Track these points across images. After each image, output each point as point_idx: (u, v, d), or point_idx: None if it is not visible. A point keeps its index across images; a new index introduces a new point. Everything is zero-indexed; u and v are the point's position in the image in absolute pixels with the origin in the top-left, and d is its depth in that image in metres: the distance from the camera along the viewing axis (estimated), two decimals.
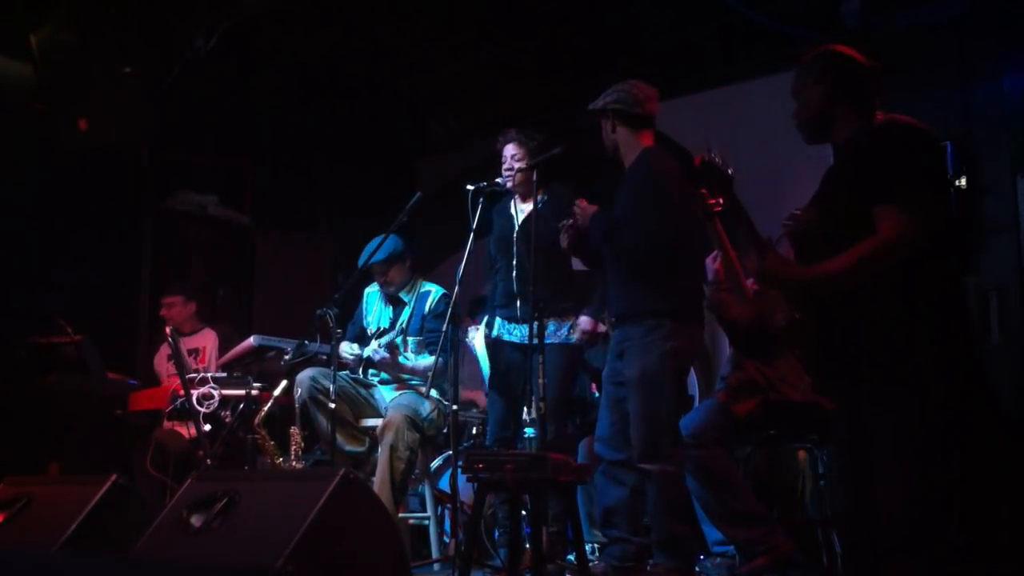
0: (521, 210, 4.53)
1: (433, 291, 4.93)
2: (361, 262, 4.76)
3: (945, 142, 3.02)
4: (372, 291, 5.11)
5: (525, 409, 4.61)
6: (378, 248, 4.68)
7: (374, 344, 4.78)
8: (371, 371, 4.95)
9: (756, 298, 4.29)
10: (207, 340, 5.79)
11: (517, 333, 4.51)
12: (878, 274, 2.65)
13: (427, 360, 4.72)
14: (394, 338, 4.73)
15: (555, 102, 6.31)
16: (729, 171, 2.89)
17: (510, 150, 4.50)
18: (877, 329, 2.68)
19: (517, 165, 4.43)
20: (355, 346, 4.87)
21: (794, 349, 4.05)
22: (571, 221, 4.01)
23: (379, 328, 4.96)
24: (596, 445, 4.05)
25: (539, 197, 4.38)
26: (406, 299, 4.96)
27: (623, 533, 3.92)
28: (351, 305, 5.12)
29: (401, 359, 4.75)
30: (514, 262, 4.48)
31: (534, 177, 4.19)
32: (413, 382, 4.80)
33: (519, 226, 4.50)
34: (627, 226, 3.87)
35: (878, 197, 2.63)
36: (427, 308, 4.89)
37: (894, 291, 2.66)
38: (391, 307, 5.00)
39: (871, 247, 2.63)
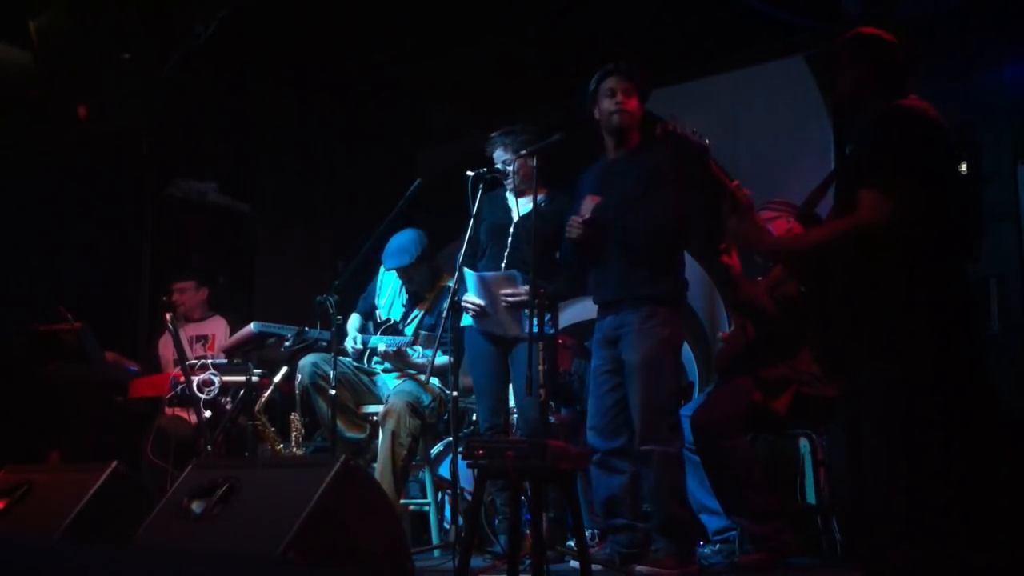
0: (520, 203, 4.45)
1: None
2: (388, 265, 4.78)
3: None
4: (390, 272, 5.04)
5: (512, 396, 4.61)
6: (399, 246, 4.70)
7: (381, 345, 4.71)
8: (374, 358, 4.93)
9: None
10: (217, 328, 5.75)
11: None
12: (848, 250, 2.74)
13: (440, 359, 4.62)
14: (405, 344, 4.65)
15: (555, 93, 6.29)
16: (705, 140, 2.93)
17: (500, 155, 4.46)
18: (875, 319, 2.69)
19: (516, 163, 4.33)
20: (358, 338, 4.82)
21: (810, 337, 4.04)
22: (584, 218, 3.97)
23: (389, 320, 4.93)
24: (588, 435, 4.06)
25: (540, 196, 4.33)
26: (426, 296, 4.93)
27: (628, 520, 3.94)
28: (358, 283, 5.07)
29: (409, 351, 4.69)
30: (506, 252, 4.43)
31: (533, 163, 4.17)
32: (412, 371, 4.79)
33: (520, 218, 4.44)
34: (652, 206, 3.87)
35: (863, 182, 2.72)
36: (446, 306, 4.84)
37: (893, 281, 2.67)
38: (407, 297, 4.96)
39: (845, 225, 2.76)
